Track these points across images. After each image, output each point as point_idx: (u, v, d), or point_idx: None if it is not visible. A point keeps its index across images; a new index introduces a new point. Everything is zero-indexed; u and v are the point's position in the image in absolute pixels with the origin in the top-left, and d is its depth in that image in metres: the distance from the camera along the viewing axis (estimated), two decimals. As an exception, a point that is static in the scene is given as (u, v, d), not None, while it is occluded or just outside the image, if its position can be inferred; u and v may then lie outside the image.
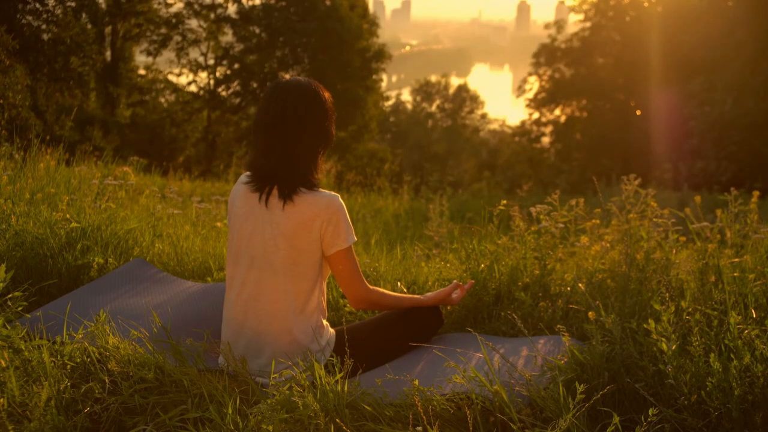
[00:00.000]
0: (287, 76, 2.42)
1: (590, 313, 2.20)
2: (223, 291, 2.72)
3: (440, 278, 3.31)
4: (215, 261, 3.43)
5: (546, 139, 28.59)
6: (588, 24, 27.18)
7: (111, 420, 1.94)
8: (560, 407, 1.88)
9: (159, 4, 24.91)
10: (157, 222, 3.76)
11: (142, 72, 25.52)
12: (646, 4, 26.44)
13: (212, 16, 26.09)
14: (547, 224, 3.29)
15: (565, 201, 3.65)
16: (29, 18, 18.54)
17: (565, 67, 27.88)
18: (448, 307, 3.01)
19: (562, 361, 2.14)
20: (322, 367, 1.98)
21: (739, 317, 2.16)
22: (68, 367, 2.12)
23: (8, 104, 11.10)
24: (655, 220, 3.14)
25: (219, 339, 2.52)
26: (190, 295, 2.84)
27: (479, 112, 43.18)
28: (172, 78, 26.46)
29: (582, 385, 1.84)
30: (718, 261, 2.88)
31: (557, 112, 28.02)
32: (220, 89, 26.49)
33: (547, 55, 28.09)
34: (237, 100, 26.48)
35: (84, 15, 21.28)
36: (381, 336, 2.53)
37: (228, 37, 26.60)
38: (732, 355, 2.01)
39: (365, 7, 27.95)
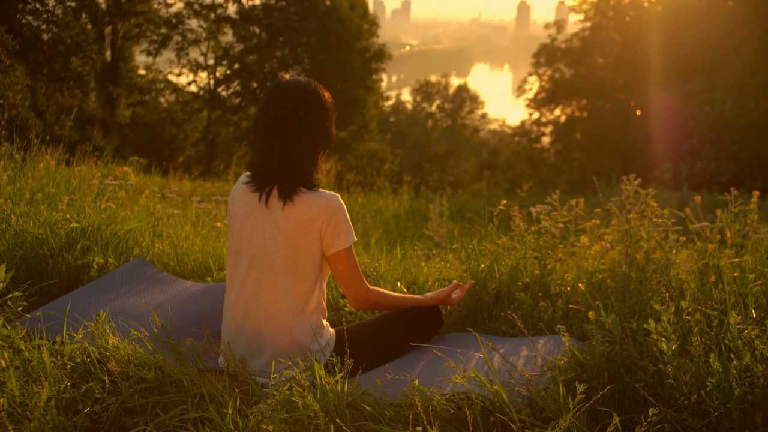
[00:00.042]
0: (287, 76, 2.42)
1: (590, 313, 2.20)
2: (223, 291, 2.72)
3: (440, 278, 3.31)
4: (215, 261, 3.43)
5: (546, 139, 28.59)
6: (588, 24, 27.18)
7: (111, 420, 1.94)
8: (560, 407, 1.88)
9: (159, 4, 24.92)
10: (157, 222, 3.76)
11: (142, 72, 25.53)
12: (646, 4, 26.45)
13: (212, 16, 26.10)
14: (547, 224, 3.29)
15: (565, 201, 3.65)
16: (29, 18, 18.54)
17: (565, 67, 27.88)
18: (448, 307, 3.01)
19: (562, 361, 2.14)
20: (322, 367, 1.98)
21: (739, 317, 2.16)
22: (68, 367, 2.12)
23: (8, 104, 11.10)
24: (655, 220, 3.14)
25: (219, 339, 2.52)
26: (190, 295, 2.84)
27: (479, 112, 43.18)
28: (172, 78, 26.48)
29: (582, 385, 1.84)
30: (718, 261, 2.88)
31: (557, 112, 28.02)
32: (220, 89, 26.50)
33: (547, 55, 28.09)
34: (237, 100, 26.49)
35: (84, 15, 21.28)
36: (381, 336, 2.53)
37: (228, 37, 26.61)
38: (732, 355, 2.01)
39: (365, 7, 27.95)
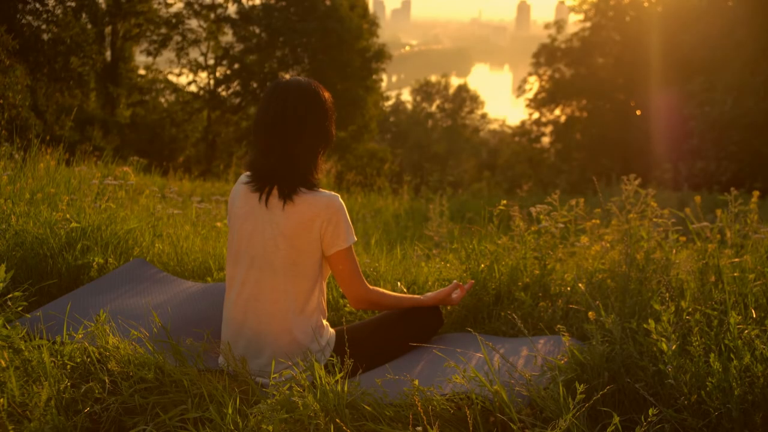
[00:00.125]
0: (287, 76, 2.42)
1: (590, 313, 2.20)
2: (223, 291, 2.72)
3: (440, 278, 3.31)
4: (215, 261, 3.43)
5: (546, 139, 28.60)
6: (588, 24, 27.18)
7: (111, 420, 1.94)
8: (560, 407, 1.88)
9: (159, 4, 24.93)
10: (157, 222, 3.76)
11: (142, 72, 25.53)
12: (646, 4, 26.45)
13: (212, 16, 26.10)
14: (547, 224, 3.29)
15: (565, 201, 3.65)
16: (29, 18, 18.54)
17: (565, 67, 27.88)
18: (448, 307, 3.01)
19: (562, 361, 2.14)
20: (322, 367, 1.98)
21: (739, 317, 2.16)
22: (68, 367, 2.12)
23: (8, 104, 11.10)
24: (655, 220, 3.14)
25: (219, 339, 2.52)
26: (190, 295, 2.84)
27: (479, 112, 43.18)
28: (172, 78, 26.49)
29: (582, 385, 1.84)
30: (718, 261, 2.88)
31: (557, 112, 28.02)
32: (220, 89, 26.50)
33: (547, 55, 28.09)
34: (237, 100, 26.49)
35: (84, 15, 21.29)
36: (381, 336, 2.53)
37: (228, 37, 26.61)
38: (732, 355, 2.01)
39: (365, 7, 27.95)
